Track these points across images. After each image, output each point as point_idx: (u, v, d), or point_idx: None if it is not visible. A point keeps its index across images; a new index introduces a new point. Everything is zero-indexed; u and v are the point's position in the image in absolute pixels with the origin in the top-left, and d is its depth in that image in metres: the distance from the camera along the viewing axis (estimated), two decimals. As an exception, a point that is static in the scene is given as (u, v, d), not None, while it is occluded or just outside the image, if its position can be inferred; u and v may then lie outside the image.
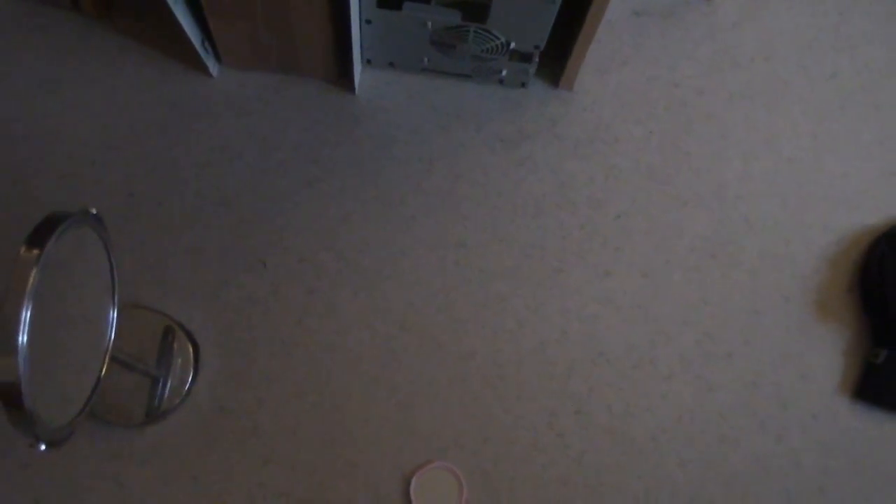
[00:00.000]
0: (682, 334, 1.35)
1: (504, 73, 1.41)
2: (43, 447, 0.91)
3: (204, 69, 1.45)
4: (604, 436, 1.31)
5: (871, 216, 1.42)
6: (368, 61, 1.45)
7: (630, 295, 1.36)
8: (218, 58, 1.45)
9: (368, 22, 1.33)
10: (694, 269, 1.38)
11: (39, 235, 0.86)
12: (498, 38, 1.32)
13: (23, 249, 0.84)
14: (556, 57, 1.44)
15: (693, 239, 1.39)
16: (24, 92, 1.43)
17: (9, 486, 1.26)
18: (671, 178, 1.42)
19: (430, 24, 1.30)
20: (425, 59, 1.41)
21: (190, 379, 1.31)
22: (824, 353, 1.35)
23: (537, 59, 1.38)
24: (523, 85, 1.44)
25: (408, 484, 1.27)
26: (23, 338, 0.82)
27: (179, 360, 1.32)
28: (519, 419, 1.31)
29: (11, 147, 1.40)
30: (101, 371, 1.08)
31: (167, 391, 1.31)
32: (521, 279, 1.36)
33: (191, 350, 1.32)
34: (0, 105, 1.42)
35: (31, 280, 0.83)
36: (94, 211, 1.02)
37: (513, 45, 1.33)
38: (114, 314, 1.11)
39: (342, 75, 1.43)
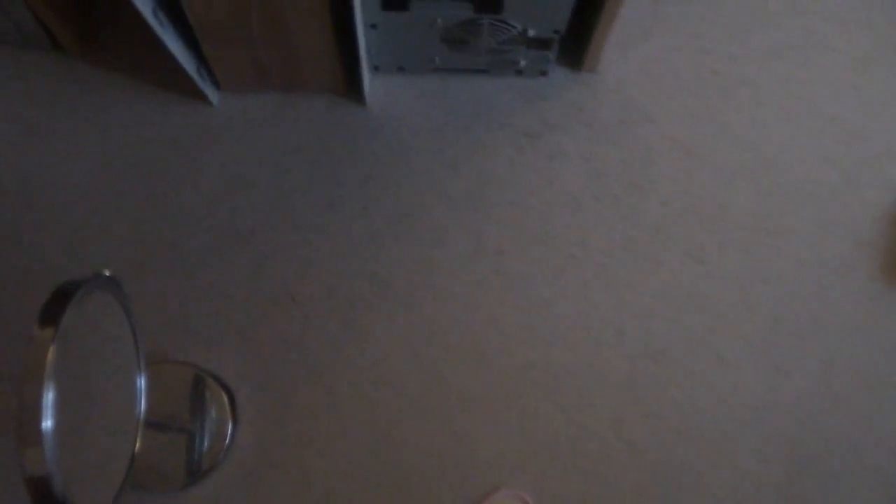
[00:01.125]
0: (746, 320, 1.26)
1: (522, 63, 1.32)
2: None
3: (203, 97, 1.35)
4: (676, 437, 1.22)
5: (932, 169, 1.33)
6: (376, 68, 1.36)
7: (685, 284, 1.27)
8: (217, 84, 1.35)
9: (374, 27, 1.24)
10: (748, 249, 1.28)
11: (52, 310, 0.77)
12: (514, 28, 1.22)
13: (36, 328, 0.75)
14: (576, 39, 1.34)
15: (743, 216, 1.30)
16: (11, 143, 1.33)
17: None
18: (712, 153, 1.32)
19: (439, 21, 1.20)
20: (437, 59, 1.32)
21: (229, 430, 1.22)
22: (901, 321, 1.26)
23: (557, 45, 1.28)
24: (544, 73, 1.34)
25: (475, 515, 1.18)
26: (47, 423, 0.73)
27: (214, 411, 1.23)
28: (584, 430, 1.22)
29: (5, 203, 1.30)
30: (135, 442, 0.99)
31: (206, 445, 1.22)
32: (567, 281, 1.27)
33: (225, 398, 1.23)
34: (-10, 161, 1.32)
35: (48, 360, 0.74)
36: (107, 273, 0.93)
37: (530, 32, 1.23)
38: (142, 380, 1.02)
39: (350, 86, 1.34)
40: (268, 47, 1.23)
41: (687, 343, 1.25)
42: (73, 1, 1.37)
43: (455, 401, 1.22)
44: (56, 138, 1.35)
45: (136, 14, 1.08)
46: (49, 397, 0.73)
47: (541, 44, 1.27)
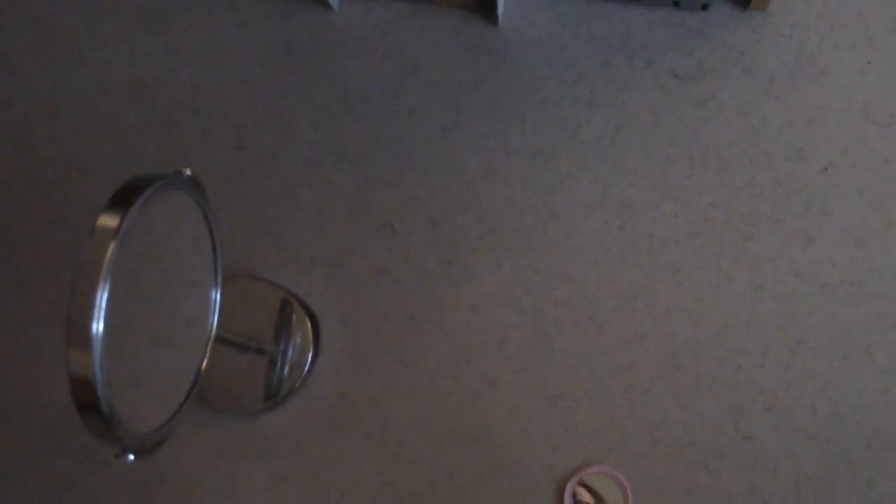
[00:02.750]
0: (909, 317, 1.07)
1: (682, -8, 1.14)
2: (131, 457, 0.74)
3: (322, 0, 1.24)
4: (805, 441, 1.06)
5: None
6: (514, -16, 1.21)
7: (840, 267, 1.08)
8: (339, -14, 1.23)
9: (517, -68, 1.08)
10: (924, 236, 1.08)
11: (120, 202, 0.69)
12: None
13: (99, 219, 0.67)
14: (749, -31, 1.15)
15: (923, 197, 1.09)
16: (122, 35, 1.26)
17: (109, 479, 1.13)
18: (894, 119, 1.11)
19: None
20: (584, -21, 1.16)
21: (309, 360, 1.13)
22: None
23: (727, -27, 1.10)
24: (705, 7, 1.16)
25: (562, 490, 1.06)
26: (98, 325, 0.64)
27: (299, 338, 1.14)
28: (697, 417, 1.08)
29: (106, 96, 1.24)
30: (202, 361, 0.91)
31: (286, 372, 1.14)
32: (701, 247, 1.10)
33: (310, 326, 1.14)
34: (96, 49, 1.26)
35: (108, 256, 0.65)
36: (188, 172, 0.84)
37: (698, -46, 1.06)
38: (217, 293, 0.93)
39: (482, 3, 1.19)
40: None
41: (832, 336, 1.07)
42: None
43: (557, 362, 1.10)
44: (166, 33, 1.27)
45: None
46: (104, 297, 0.65)
47: (707, -30, 1.09)
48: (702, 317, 1.10)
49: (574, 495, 1.06)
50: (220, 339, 1.01)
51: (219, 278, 0.94)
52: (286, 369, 1.14)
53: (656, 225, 1.13)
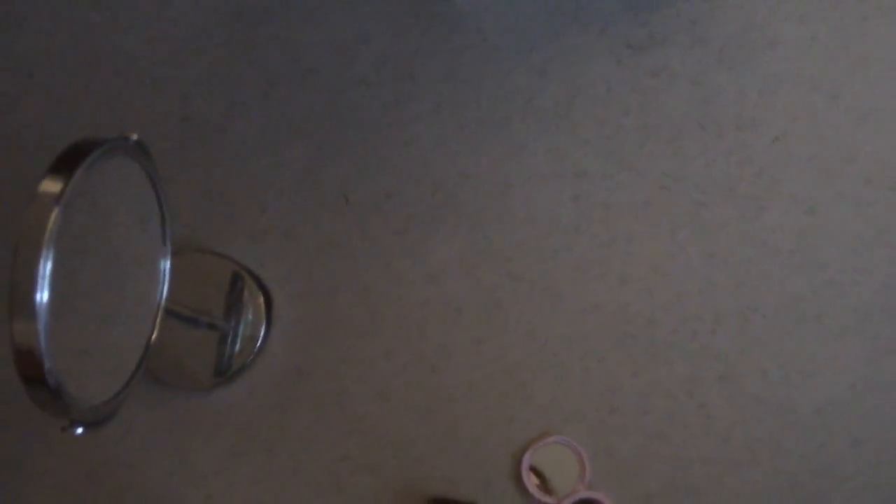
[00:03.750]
0: (857, 284, 1.09)
1: (635, -40, 1.14)
2: (80, 430, 0.71)
3: (270, -33, 1.21)
4: (757, 406, 1.07)
5: None
6: (467, -49, 1.19)
7: (790, 235, 1.09)
8: (286, -48, 1.20)
9: None
10: (871, 204, 1.10)
11: (63, 166, 0.66)
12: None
13: (41, 184, 0.64)
14: (701, -62, 1.15)
15: (870, 165, 1.11)
16: (64, 3, 1.21)
17: (57, 457, 1.09)
18: (842, 89, 1.13)
19: None
20: (537, -53, 1.14)
21: (261, 334, 1.11)
22: None
23: (679, -59, 1.10)
24: (657, -24, 1.16)
25: (519, 461, 1.06)
26: (42, 295, 0.62)
27: (251, 312, 1.12)
28: (652, 386, 1.08)
29: (49, 66, 1.19)
30: (151, 332, 0.88)
31: (238, 346, 1.11)
32: (655, 217, 1.11)
33: (262, 300, 1.12)
34: (38, 20, 1.21)
35: (51, 221, 0.63)
36: (134, 137, 0.81)
37: (651, -79, 1.05)
38: (166, 263, 0.91)
39: (435, -30, 1.18)
40: None
41: (784, 302, 1.08)
42: None
43: (512, 333, 1.09)
44: (112, 1, 1.22)
45: None
46: (47, 266, 0.62)
47: (660, -62, 1.09)
48: (655, 285, 1.10)
49: (531, 467, 1.06)
50: (169, 312, 0.98)
51: (168, 248, 0.91)
52: (238, 344, 1.12)
53: (611, 194, 1.12)
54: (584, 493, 1.06)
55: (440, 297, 1.11)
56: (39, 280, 0.63)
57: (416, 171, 1.13)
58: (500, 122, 1.14)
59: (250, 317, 1.12)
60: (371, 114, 1.16)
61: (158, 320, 0.91)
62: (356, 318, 1.10)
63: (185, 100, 1.17)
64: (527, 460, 1.06)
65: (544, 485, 1.07)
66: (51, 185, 0.66)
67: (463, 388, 1.09)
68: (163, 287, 0.91)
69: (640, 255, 1.11)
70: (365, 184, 1.14)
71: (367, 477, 1.08)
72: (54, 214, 0.64)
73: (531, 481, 1.06)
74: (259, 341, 1.11)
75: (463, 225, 1.12)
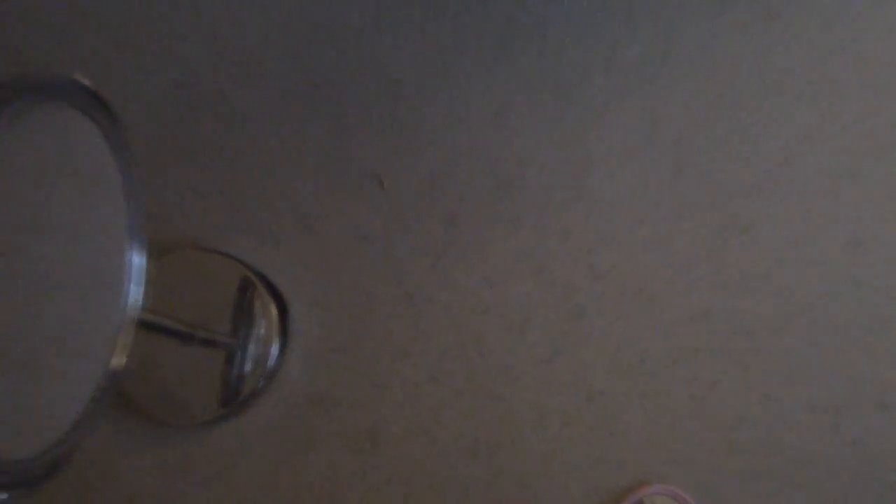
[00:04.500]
0: None
1: None
2: (4, 497, 0.47)
3: None
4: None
5: None
6: None
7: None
8: None
9: None
10: None
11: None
12: None
13: None
14: None
15: None
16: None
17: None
18: None
19: None
20: None
21: (275, 353, 0.86)
22: None
23: None
24: None
25: (610, 518, 0.80)
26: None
27: (262, 326, 0.88)
28: (785, 416, 0.81)
29: (26, 21, 0.97)
30: (112, 352, 0.64)
31: (246, 368, 0.87)
32: (783, 194, 0.84)
33: (275, 310, 0.87)
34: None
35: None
36: (85, 82, 0.57)
37: None
38: (135, 256, 0.66)
39: None
40: None
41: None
42: None
43: (595, 350, 0.83)
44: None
45: None
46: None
47: None
48: (784, 284, 0.83)
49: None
50: (146, 325, 0.74)
51: (137, 241, 0.67)
52: (247, 364, 0.88)
53: (722, 169, 0.86)
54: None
55: (502, 304, 0.85)
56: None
57: (468, 146, 0.88)
58: (573, 83, 0.89)
59: (262, 331, 0.88)
60: (412, 76, 0.91)
61: (123, 337, 0.66)
62: (395, 332, 0.85)
63: (183, 64, 0.93)
64: (621, 517, 0.80)
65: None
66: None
67: (533, 422, 0.83)
68: (128, 293, 0.66)
69: (763, 244, 0.84)
70: (404, 164, 0.89)
71: (411, 540, 0.82)
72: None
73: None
74: (272, 362, 0.86)
75: (529, 212, 0.86)
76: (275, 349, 0.88)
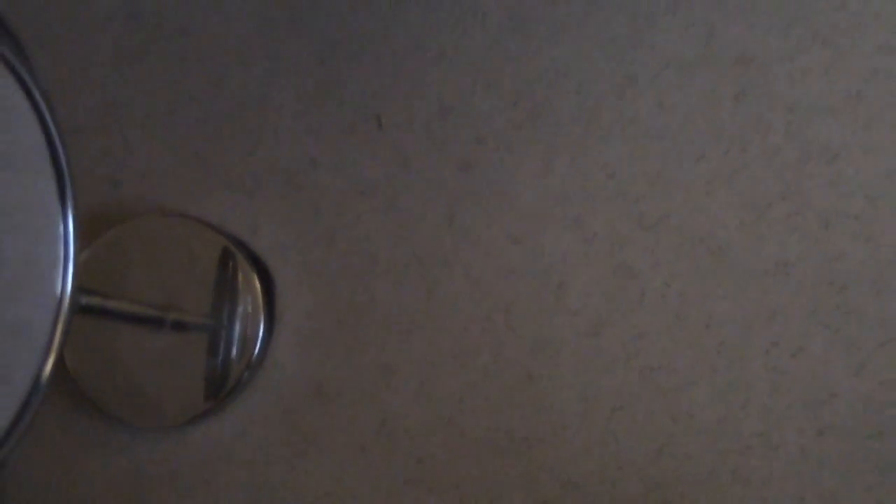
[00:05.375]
0: None
1: None
2: None
3: None
4: None
5: None
6: None
7: None
8: None
9: None
10: None
11: None
12: None
13: None
14: None
15: None
16: None
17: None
18: None
19: None
20: None
21: (261, 336, 0.72)
22: None
23: None
24: None
25: None
26: None
27: (245, 304, 0.73)
28: (884, 386, 0.65)
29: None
30: (49, 348, 0.49)
31: (234, 354, 0.72)
32: (867, 117, 0.68)
33: (258, 283, 0.72)
34: None
35: None
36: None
37: None
38: (68, 223, 0.51)
39: None
40: None
41: None
42: None
43: (650, 315, 0.70)
44: None
45: None
46: None
47: None
48: (879, 227, 0.67)
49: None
50: (92, 310, 0.58)
51: (68, 199, 0.51)
52: (228, 352, 0.73)
53: (798, 87, 0.69)
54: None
55: (533, 263, 0.70)
56: None
57: (485, 70, 0.72)
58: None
59: (244, 309, 0.73)
60: (408, 7, 0.75)
61: (61, 326, 0.51)
62: (405, 304, 0.70)
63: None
64: None
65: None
66: None
67: (577, 406, 0.68)
68: (62, 276, 0.51)
69: (852, 178, 0.68)
70: (406, 96, 0.73)
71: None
72: None
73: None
74: (258, 346, 0.71)
75: (564, 149, 0.70)
76: (261, 332, 0.73)
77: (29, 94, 0.48)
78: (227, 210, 0.74)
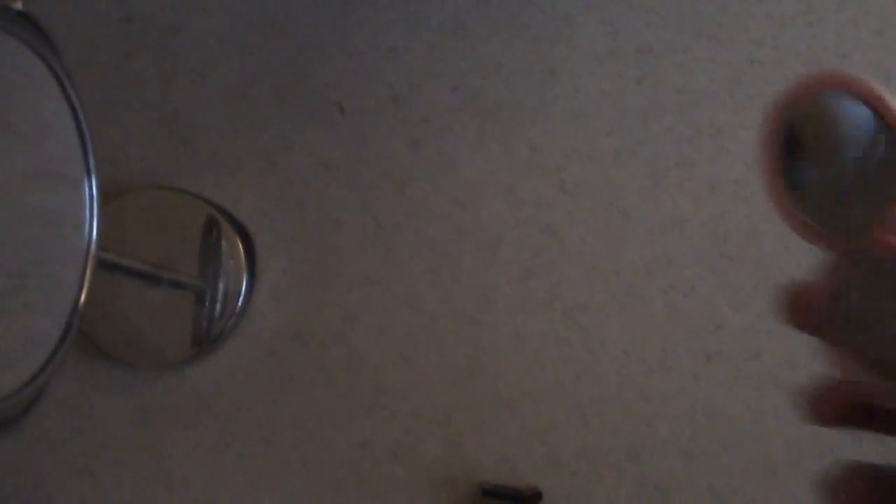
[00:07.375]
0: None
1: None
2: None
3: None
4: None
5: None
6: None
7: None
8: None
9: None
10: None
11: None
12: None
13: None
14: None
15: None
16: None
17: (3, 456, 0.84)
18: None
19: None
20: None
21: (244, 291, 0.84)
22: None
23: None
24: None
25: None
26: None
27: (232, 264, 0.85)
28: (759, 322, 0.81)
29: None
30: (79, 292, 0.61)
31: (217, 309, 0.85)
32: (746, 99, 0.83)
33: (241, 245, 0.85)
34: None
35: None
36: (18, 6, 0.54)
37: None
38: (92, 188, 0.64)
39: None
40: None
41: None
42: None
43: (570, 265, 0.84)
44: None
45: None
46: None
47: None
48: (756, 189, 0.82)
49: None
50: (108, 265, 0.71)
51: (91, 166, 0.64)
52: (218, 305, 0.85)
53: (686, 74, 0.84)
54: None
55: (473, 225, 0.84)
56: None
57: (427, 63, 0.86)
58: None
59: (229, 268, 0.86)
60: None
61: (88, 275, 0.64)
62: (365, 261, 0.84)
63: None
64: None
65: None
66: None
67: (512, 342, 0.82)
68: (91, 228, 0.64)
69: (732, 150, 0.83)
70: (363, 86, 0.86)
71: (394, 465, 0.81)
72: None
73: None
74: (241, 300, 0.84)
75: (495, 129, 0.84)
76: (244, 286, 0.85)
77: (55, 74, 0.60)
78: (213, 184, 0.87)
